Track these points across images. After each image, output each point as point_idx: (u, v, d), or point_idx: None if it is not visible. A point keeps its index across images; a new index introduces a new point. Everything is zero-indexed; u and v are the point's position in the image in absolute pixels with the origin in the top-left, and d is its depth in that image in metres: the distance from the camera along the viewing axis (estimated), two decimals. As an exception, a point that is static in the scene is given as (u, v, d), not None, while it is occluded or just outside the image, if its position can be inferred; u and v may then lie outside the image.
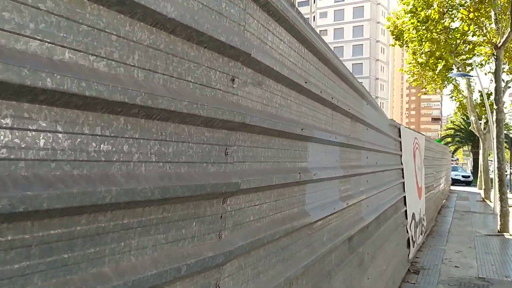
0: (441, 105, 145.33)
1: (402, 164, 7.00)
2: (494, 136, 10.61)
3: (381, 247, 4.76)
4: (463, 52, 22.23)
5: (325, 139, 2.56)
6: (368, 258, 4.07)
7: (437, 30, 19.06)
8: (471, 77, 18.05)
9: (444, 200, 18.80)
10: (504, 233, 10.29)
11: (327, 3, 76.17)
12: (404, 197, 7.04)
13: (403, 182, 7.02)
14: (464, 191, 27.70)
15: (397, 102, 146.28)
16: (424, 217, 9.30)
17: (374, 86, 74.83)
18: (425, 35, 18.97)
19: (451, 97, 27.55)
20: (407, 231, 7.06)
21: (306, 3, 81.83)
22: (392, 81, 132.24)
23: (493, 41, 10.55)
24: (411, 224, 7.39)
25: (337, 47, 75.10)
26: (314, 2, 78.57)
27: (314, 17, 78.57)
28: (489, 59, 21.40)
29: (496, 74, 10.26)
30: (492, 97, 22.89)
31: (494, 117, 10.47)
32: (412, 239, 7.44)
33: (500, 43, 10.12)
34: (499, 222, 10.52)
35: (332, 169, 2.74)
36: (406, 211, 7.05)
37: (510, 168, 24.85)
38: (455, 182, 34.04)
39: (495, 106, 10.35)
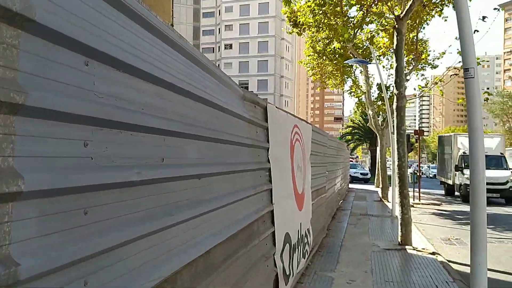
0: (343, 105, 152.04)
1: (269, 162, 4.54)
2: (394, 127, 8.76)
3: None
4: (362, 46, 21.10)
5: None
6: None
7: (335, 17, 17.45)
8: (369, 64, 16.61)
9: (341, 201, 17.24)
10: (406, 246, 8.45)
11: (232, 17, 74.14)
12: (272, 212, 4.60)
13: (271, 189, 4.57)
14: (362, 189, 27.00)
15: (303, 102, 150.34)
16: (309, 232, 7.03)
17: (279, 84, 74.50)
18: (322, 20, 17.24)
19: (350, 93, 26.71)
20: (276, 264, 4.62)
21: (212, -4, 79.18)
22: (298, 81, 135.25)
23: (395, 13, 8.68)
24: (283, 250, 4.97)
25: (242, 43, 73.53)
26: (220, -4, 76.22)
27: (219, 11, 76.23)
28: (388, 51, 20.45)
29: (398, 51, 8.38)
30: (391, 90, 22.09)
31: (395, 105, 8.60)
32: (285, 272, 5.02)
33: (403, 14, 8.26)
34: (399, 233, 8.67)
35: None
36: (274, 233, 4.60)
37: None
38: (354, 179, 33.73)
39: (395, 91, 8.47)
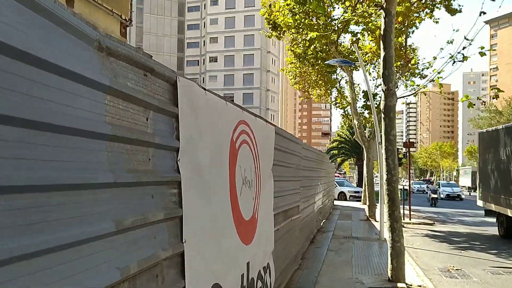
0: (331, 120, 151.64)
1: (179, 172, 2.73)
2: (382, 132, 7.03)
3: None
4: (346, 52, 19.57)
5: None
6: None
7: (317, 18, 15.91)
8: (353, 64, 14.99)
9: (323, 221, 15.41)
10: (398, 284, 6.63)
11: (218, 9, 72.94)
12: (183, 255, 2.76)
13: (181, 216, 2.75)
14: (348, 206, 25.20)
15: (291, 117, 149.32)
16: (267, 270, 5.18)
17: (265, 97, 73.12)
18: (303, 20, 15.67)
19: (335, 104, 25.22)
20: None
21: (197, 8, 77.89)
22: (285, 96, 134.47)
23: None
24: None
25: (228, 56, 72.13)
26: (205, 8, 74.96)
27: (204, 23, 74.93)
28: (374, 57, 18.94)
29: (386, 36, 6.72)
30: (378, 99, 20.52)
31: (382, 104, 6.89)
32: None
33: (392, -10, 6.62)
34: (389, 265, 6.85)
35: None
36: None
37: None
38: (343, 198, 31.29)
39: (383, 87, 6.77)
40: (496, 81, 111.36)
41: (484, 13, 6.72)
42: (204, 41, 75.41)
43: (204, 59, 75.32)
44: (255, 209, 4.53)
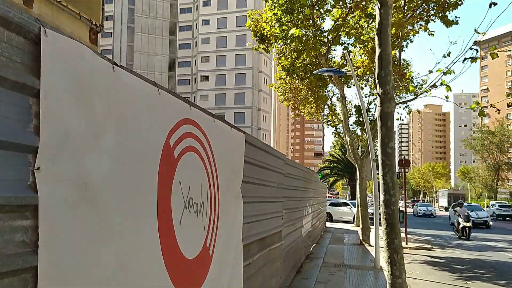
0: (323, 141, 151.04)
1: (37, 191, 1.54)
2: (378, 145, 5.90)
3: None
4: (336, 67, 18.66)
5: None
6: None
7: (306, 26, 14.97)
8: (344, 74, 13.97)
9: (313, 245, 14.15)
10: (399, 331, 5.38)
11: (210, 28, 72.57)
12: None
13: (36, 267, 1.54)
14: (340, 228, 23.93)
15: (283, 137, 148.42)
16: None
17: (256, 116, 72.18)
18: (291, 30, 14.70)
19: (327, 122, 24.30)
20: None
21: (188, 27, 77.50)
22: (278, 116, 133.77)
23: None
24: None
25: (219, 75, 71.39)
26: (196, 27, 74.55)
27: (196, 43, 74.39)
28: (367, 72, 18.01)
29: (382, 30, 5.64)
30: (370, 116, 19.54)
31: (378, 111, 5.78)
32: None
33: (387, -24, 5.58)
34: (389, 306, 5.60)
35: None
36: None
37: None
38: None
39: (379, 90, 5.67)
40: (487, 102, 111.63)
41: (495, 4, 5.70)
42: (195, 60, 74.74)
43: (195, 78, 74.51)
44: (209, 242, 3.32)
